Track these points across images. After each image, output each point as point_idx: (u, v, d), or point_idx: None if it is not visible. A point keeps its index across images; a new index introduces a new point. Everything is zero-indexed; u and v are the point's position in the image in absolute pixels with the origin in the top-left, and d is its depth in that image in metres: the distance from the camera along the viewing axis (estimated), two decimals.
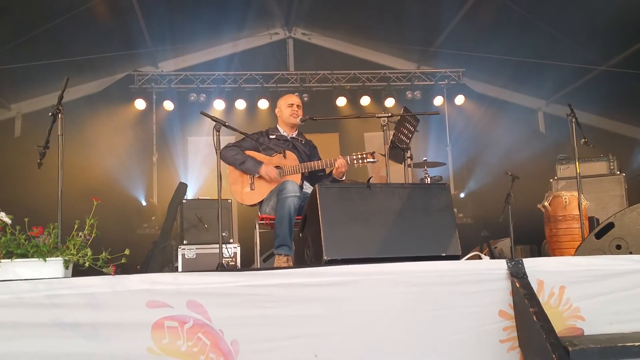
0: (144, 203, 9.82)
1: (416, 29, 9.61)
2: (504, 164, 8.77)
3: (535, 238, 7.69)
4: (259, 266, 5.66)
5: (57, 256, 2.94)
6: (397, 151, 5.89)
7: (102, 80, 9.91)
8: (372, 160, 5.07)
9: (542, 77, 9.61)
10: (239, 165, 5.21)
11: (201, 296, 2.76)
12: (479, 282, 3.01)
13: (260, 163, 5.17)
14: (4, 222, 2.96)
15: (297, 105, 5.50)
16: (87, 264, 2.92)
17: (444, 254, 3.61)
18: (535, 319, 2.79)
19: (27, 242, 2.93)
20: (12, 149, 8.93)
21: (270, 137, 5.43)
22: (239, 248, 7.15)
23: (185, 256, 7.03)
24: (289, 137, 5.48)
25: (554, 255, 6.32)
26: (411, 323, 2.93)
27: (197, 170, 10.08)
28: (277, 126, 5.56)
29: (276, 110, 5.63)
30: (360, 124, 10.28)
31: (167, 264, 7.73)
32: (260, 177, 5.15)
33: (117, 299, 2.70)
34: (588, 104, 9.46)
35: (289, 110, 5.46)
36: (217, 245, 4.53)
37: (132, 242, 7.99)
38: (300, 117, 5.42)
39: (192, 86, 10.15)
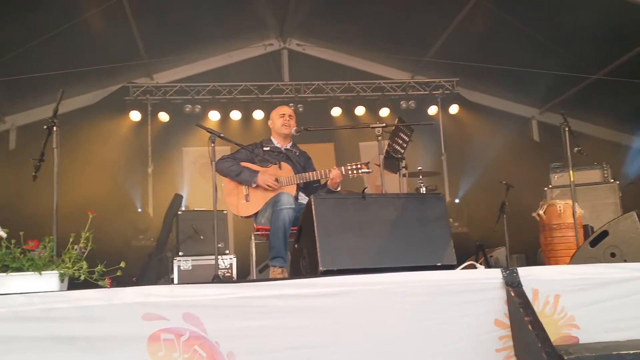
0: (139, 209, 9.82)
1: (410, 39, 9.66)
2: (499, 173, 8.78)
3: (530, 246, 7.69)
4: (255, 277, 5.65)
5: (53, 269, 2.95)
6: (391, 161, 5.90)
7: (97, 92, 9.91)
8: (366, 170, 5.06)
9: (536, 86, 9.66)
10: (235, 176, 5.18)
11: (197, 308, 2.76)
12: (474, 291, 3.02)
13: (256, 173, 5.14)
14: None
15: (289, 116, 5.47)
16: (82, 277, 2.93)
17: (439, 264, 3.63)
18: (530, 327, 2.80)
19: (22, 255, 2.94)
20: (6, 162, 8.91)
21: (264, 148, 5.42)
22: (234, 259, 7.13)
23: (181, 268, 7.00)
24: (282, 149, 5.47)
25: (549, 263, 6.33)
26: (407, 333, 2.94)
27: (193, 182, 10.08)
28: (271, 138, 5.54)
29: (269, 122, 5.62)
30: (356, 133, 10.30)
31: (162, 276, 7.71)
32: (257, 187, 5.13)
33: (113, 311, 2.70)
34: (581, 113, 9.55)
35: (280, 121, 5.43)
36: (213, 257, 4.53)
37: (127, 254, 8.04)
38: (295, 128, 5.37)
39: (187, 97, 10.16)
